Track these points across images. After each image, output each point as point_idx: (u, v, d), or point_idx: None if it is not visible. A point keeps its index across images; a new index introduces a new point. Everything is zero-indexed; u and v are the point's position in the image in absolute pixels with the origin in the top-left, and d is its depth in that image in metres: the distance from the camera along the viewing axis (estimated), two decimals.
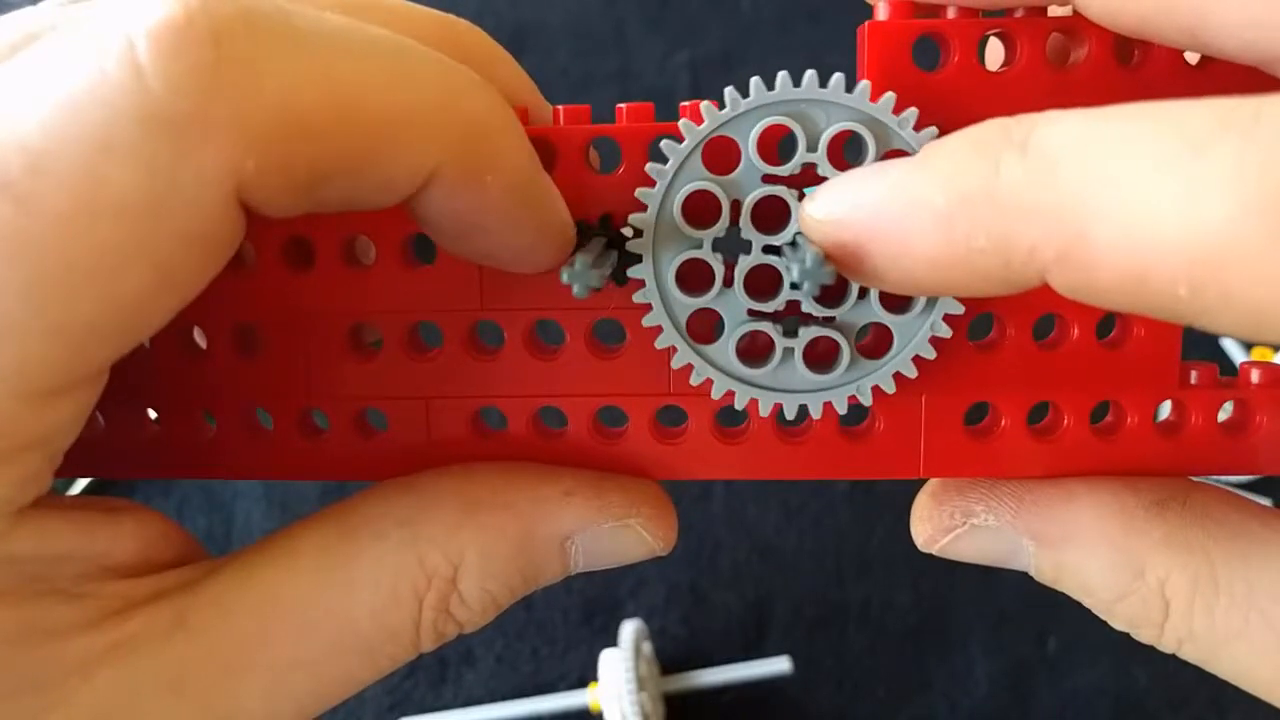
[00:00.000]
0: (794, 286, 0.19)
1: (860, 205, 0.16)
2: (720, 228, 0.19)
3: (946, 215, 0.15)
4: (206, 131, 0.14)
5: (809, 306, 0.19)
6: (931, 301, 0.19)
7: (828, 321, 0.19)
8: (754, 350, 0.20)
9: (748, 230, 0.19)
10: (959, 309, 0.19)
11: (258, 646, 0.18)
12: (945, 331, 0.19)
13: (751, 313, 0.19)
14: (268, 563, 0.19)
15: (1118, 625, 0.19)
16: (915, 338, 0.19)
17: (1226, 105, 0.13)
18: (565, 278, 0.17)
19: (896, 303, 0.19)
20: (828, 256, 0.17)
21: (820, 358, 0.20)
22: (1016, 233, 0.14)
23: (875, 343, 0.20)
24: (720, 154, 0.19)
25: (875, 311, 0.19)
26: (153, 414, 0.22)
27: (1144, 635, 0.19)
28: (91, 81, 0.14)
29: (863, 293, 0.19)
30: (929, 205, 0.15)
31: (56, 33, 0.15)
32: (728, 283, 0.19)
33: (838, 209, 0.17)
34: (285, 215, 0.16)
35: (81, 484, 0.45)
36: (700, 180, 0.19)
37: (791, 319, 0.20)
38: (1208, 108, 0.13)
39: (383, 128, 0.15)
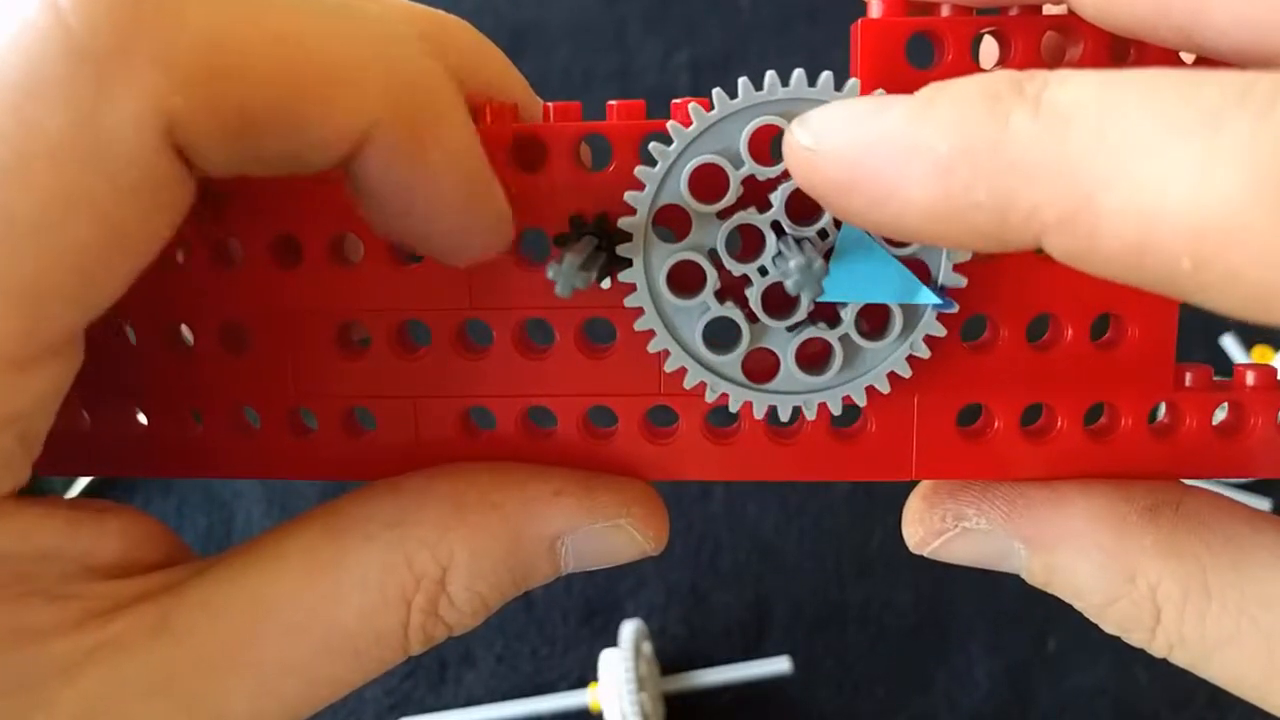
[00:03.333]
0: (762, 272, 0.19)
1: (856, 140, 0.15)
2: (725, 202, 0.19)
3: (948, 164, 0.14)
4: (128, 66, 0.14)
5: (753, 296, 0.19)
6: (847, 370, 0.19)
7: (752, 319, 0.19)
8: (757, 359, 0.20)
9: (777, 196, 0.18)
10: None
11: (244, 648, 0.18)
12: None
13: (711, 254, 0.19)
14: (255, 564, 0.18)
15: (1108, 629, 0.19)
16: (824, 394, 0.19)
17: (1243, 80, 0.12)
18: (550, 274, 0.17)
19: (809, 361, 0.19)
20: (806, 191, 0.16)
21: (812, 360, 0.20)
22: (1019, 191, 0.13)
23: (758, 369, 0.20)
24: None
25: (778, 342, 0.19)
26: (142, 418, 0.22)
27: (1135, 639, 0.19)
28: (13, 28, 0.14)
29: (800, 325, 0.19)
30: (930, 151, 0.14)
31: None
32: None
33: (829, 139, 0.16)
34: (224, 171, 0.15)
35: (81, 484, 0.46)
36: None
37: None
38: (1224, 80, 0.12)
39: (316, 72, 0.15)
